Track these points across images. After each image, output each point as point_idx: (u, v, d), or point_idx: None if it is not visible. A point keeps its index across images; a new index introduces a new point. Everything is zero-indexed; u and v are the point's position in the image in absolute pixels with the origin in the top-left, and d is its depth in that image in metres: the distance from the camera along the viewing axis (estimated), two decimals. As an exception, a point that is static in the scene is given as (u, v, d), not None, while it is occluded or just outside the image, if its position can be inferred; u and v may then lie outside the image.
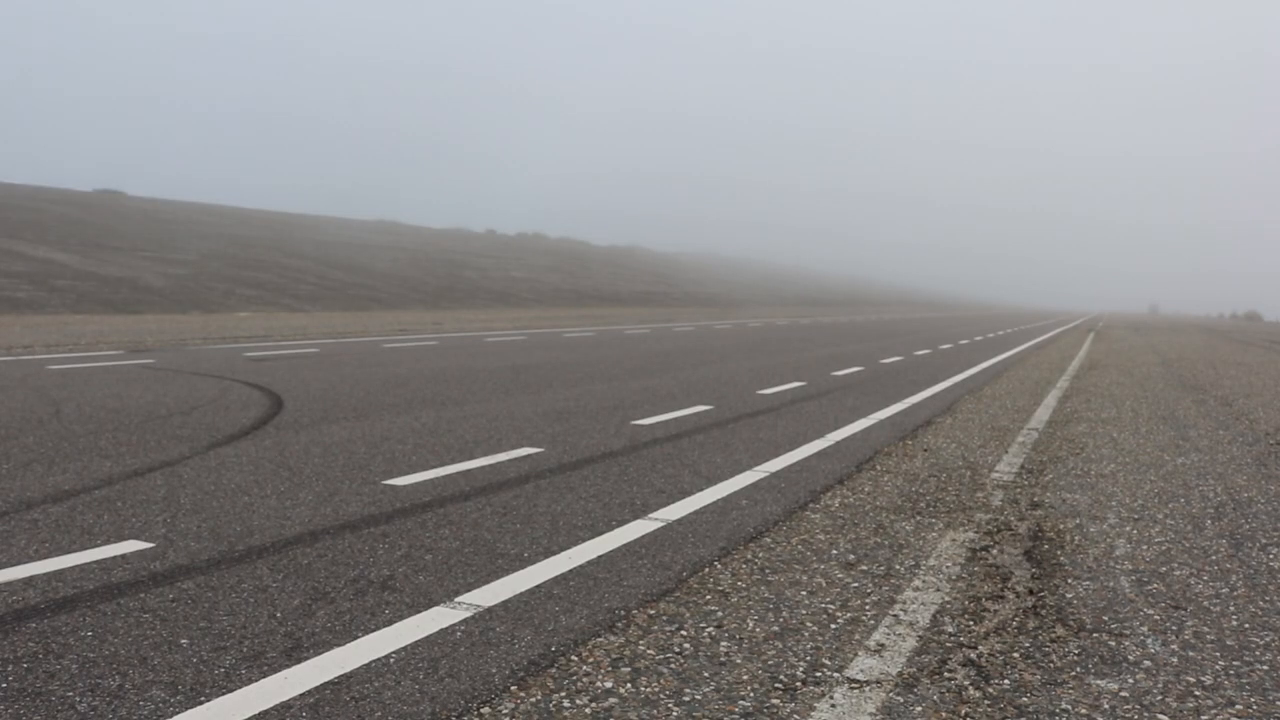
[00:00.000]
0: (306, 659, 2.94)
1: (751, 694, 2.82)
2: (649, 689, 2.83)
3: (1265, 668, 3.15)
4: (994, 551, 4.43)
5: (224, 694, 2.69)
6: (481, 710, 2.67)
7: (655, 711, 2.70)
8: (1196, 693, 2.94)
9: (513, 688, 2.81)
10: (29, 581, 3.53)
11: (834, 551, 4.35)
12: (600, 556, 4.09)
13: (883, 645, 3.22)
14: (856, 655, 3.13)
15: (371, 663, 2.93)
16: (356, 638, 3.11)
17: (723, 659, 3.07)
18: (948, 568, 4.14)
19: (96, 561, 3.78)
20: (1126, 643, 3.33)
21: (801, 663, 3.06)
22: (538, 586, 3.68)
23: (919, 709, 2.76)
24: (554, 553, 4.11)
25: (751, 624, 3.39)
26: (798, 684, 2.90)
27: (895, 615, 3.52)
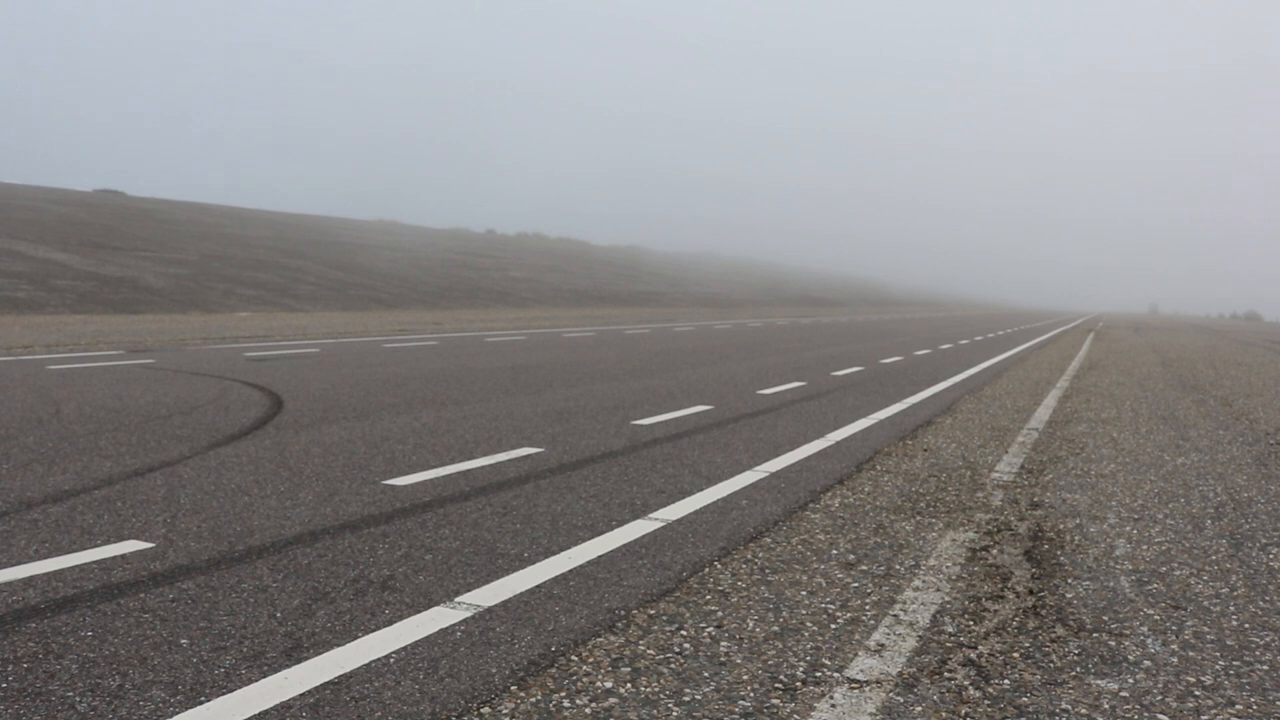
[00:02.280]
0: (306, 659, 2.94)
1: (751, 694, 2.82)
2: (649, 689, 2.83)
3: (1265, 668, 3.15)
4: (994, 551, 4.43)
5: (224, 694, 2.69)
6: (481, 710, 2.67)
7: (655, 711, 2.70)
8: (1196, 693, 2.94)
9: (513, 688, 2.81)
10: (29, 581, 3.53)
11: (834, 551, 4.35)
12: (600, 556, 4.09)
13: (883, 645, 3.22)
14: (856, 655, 3.13)
15: (371, 663, 2.93)
16: (356, 638, 3.11)
17: (723, 659, 3.07)
18: (948, 568, 4.14)
19: (96, 561, 3.78)
20: (1126, 643, 3.33)
21: (801, 663, 3.06)
22: (538, 586, 3.68)
23: (919, 709, 2.76)
24: (554, 553, 4.11)
25: (751, 624, 3.39)
26: (798, 684, 2.90)
27: (895, 615, 3.52)
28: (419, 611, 3.36)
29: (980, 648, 3.23)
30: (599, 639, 3.20)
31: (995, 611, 3.60)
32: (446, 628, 3.23)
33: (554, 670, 2.94)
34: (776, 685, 2.89)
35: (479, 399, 9.21)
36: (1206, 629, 3.49)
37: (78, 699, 2.64)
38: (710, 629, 3.33)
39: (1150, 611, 3.66)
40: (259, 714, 2.59)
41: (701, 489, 5.48)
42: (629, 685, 2.85)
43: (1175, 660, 3.19)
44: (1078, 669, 3.09)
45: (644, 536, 4.44)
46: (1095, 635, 3.39)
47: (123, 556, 3.86)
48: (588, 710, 2.68)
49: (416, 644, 3.08)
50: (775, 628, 3.36)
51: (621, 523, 4.66)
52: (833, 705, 2.76)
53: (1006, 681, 2.97)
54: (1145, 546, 4.60)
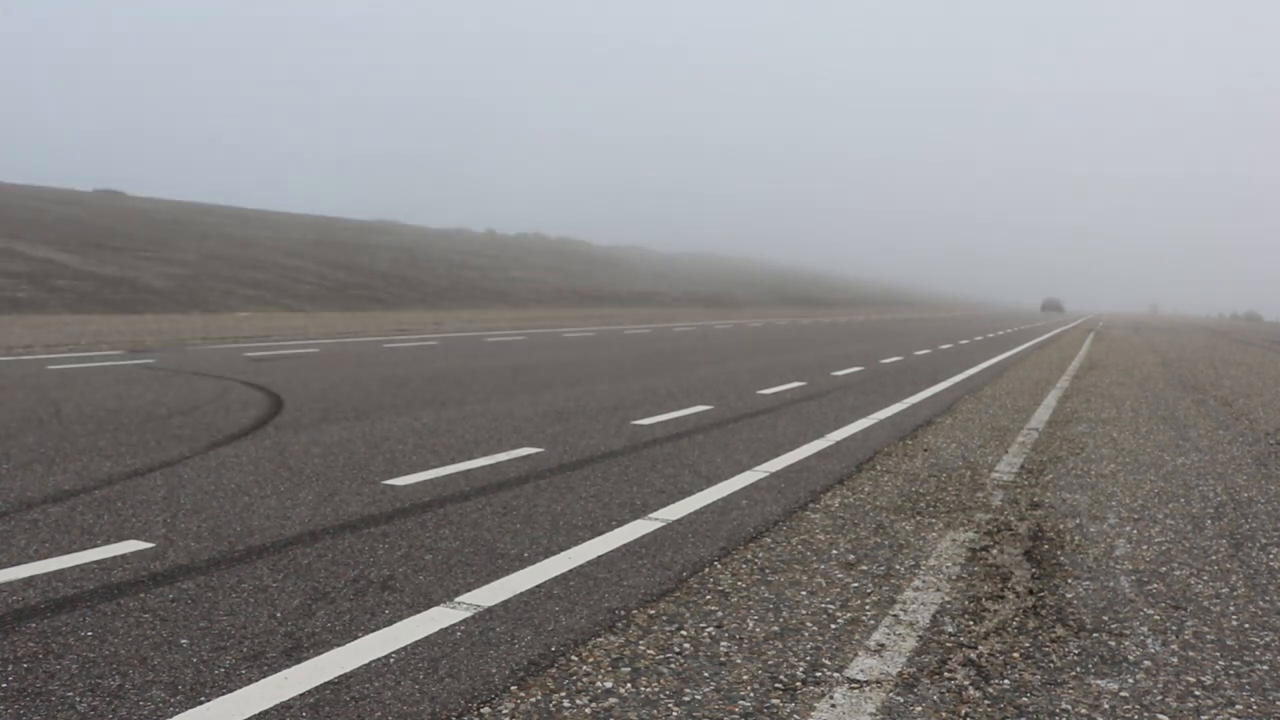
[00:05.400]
0: (306, 659, 2.94)
1: (751, 694, 2.82)
2: (649, 689, 2.83)
3: (1265, 668, 3.15)
4: (994, 551, 4.43)
5: (224, 694, 2.69)
6: (481, 710, 2.67)
7: (655, 711, 2.70)
8: (1196, 693, 2.94)
9: (513, 688, 2.81)
10: (29, 581, 3.53)
11: (834, 551, 4.35)
12: (600, 556, 4.09)
13: (883, 645, 3.22)
14: (856, 655, 3.13)
15: (371, 663, 2.93)
16: (356, 638, 3.11)
17: (723, 659, 3.07)
18: (948, 568, 4.14)
19: (96, 561, 3.78)
20: (1126, 643, 3.33)
21: (801, 663, 3.06)
22: (538, 586, 3.68)
23: (919, 709, 2.76)
24: (554, 553, 4.11)
25: (751, 624, 3.39)
26: (798, 684, 2.90)
27: (895, 615, 3.52)
28: (419, 611, 3.36)
29: (980, 648, 3.23)
30: (599, 639, 3.20)
31: (995, 611, 3.60)
32: (446, 628, 3.23)
33: (554, 670, 2.94)
34: (776, 685, 2.89)
35: (479, 399, 9.21)
36: (1206, 629, 3.49)
37: (78, 699, 2.64)
38: (710, 629, 3.33)
39: (1150, 611, 3.66)
40: (259, 714, 2.59)
41: (701, 489, 5.48)
42: (629, 685, 2.85)
43: (1175, 660, 3.19)
44: (1078, 669, 3.09)
45: (644, 536, 4.44)
46: (1095, 635, 3.39)
47: (123, 556, 3.86)
48: (588, 710, 2.68)
49: (416, 644, 3.08)
50: (775, 628, 3.36)
51: (621, 523, 4.66)
52: (833, 705, 2.77)
53: (1006, 681, 2.97)
54: (1145, 546, 4.60)
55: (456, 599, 3.50)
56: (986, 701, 2.83)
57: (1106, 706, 2.82)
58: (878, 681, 2.93)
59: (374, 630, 3.18)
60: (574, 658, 3.04)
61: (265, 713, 2.60)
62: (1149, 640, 3.36)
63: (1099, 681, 2.99)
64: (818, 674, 2.98)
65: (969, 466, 6.58)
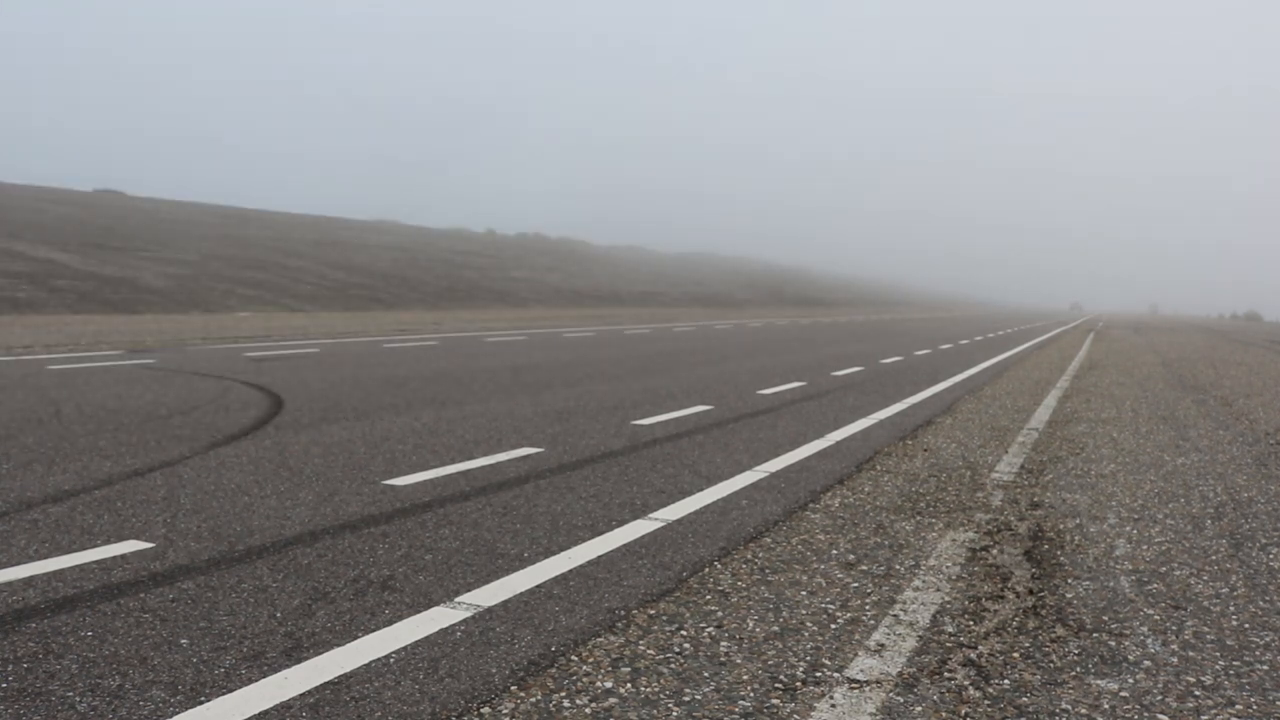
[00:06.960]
0: (306, 659, 2.94)
1: (751, 694, 2.82)
2: (649, 689, 2.83)
3: (1265, 668, 3.15)
4: (994, 551, 4.43)
5: (224, 694, 2.69)
6: (481, 710, 2.67)
7: (655, 711, 2.70)
8: (1196, 693, 2.94)
9: (513, 688, 2.81)
10: (29, 581, 3.53)
11: (834, 551, 4.34)
12: (600, 556, 4.09)
13: (883, 645, 3.22)
14: (856, 655, 3.13)
15: (371, 663, 2.93)
16: (356, 638, 3.11)
17: (723, 659, 3.07)
18: (948, 568, 4.14)
19: (96, 561, 3.78)
20: (1126, 643, 3.33)
21: (801, 663, 3.06)
22: (538, 586, 3.68)
23: (919, 709, 2.76)
24: (554, 553, 4.11)
25: (751, 624, 3.39)
26: (798, 684, 2.90)
27: (895, 615, 3.52)
28: (419, 611, 3.36)
29: (980, 648, 3.23)
30: (599, 639, 3.20)
31: (995, 611, 3.60)
32: (446, 628, 3.23)
33: (554, 670, 2.94)
34: (776, 685, 2.89)
35: (479, 399, 9.21)
36: (1206, 629, 3.49)
37: (78, 699, 2.64)
38: (710, 629, 3.33)
39: (1150, 611, 3.66)
40: (259, 714, 2.59)
41: (701, 489, 5.48)
42: (629, 685, 2.85)
43: (1175, 660, 3.19)
44: (1078, 669, 3.09)
45: (644, 536, 4.44)
46: (1095, 635, 3.39)
47: (123, 556, 3.86)
48: (588, 710, 2.68)
49: (416, 644, 3.08)
50: (775, 628, 3.36)
51: (621, 523, 4.66)
52: (833, 705, 2.76)
53: (1006, 681, 2.97)
54: (1145, 546, 4.60)
55: (456, 599, 3.50)
56: (986, 701, 2.83)
57: (1106, 706, 2.82)
58: (878, 681, 2.93)
59: (374, 630, 3.18)
60: (574, 658, 3.04)
61: (265, 713, 2.60)
62: (1149, 640, 3.36)
63: (1099, 681, 2.99)
64: (818, 674, 2.98)
65: (969, 466, 6.58)
